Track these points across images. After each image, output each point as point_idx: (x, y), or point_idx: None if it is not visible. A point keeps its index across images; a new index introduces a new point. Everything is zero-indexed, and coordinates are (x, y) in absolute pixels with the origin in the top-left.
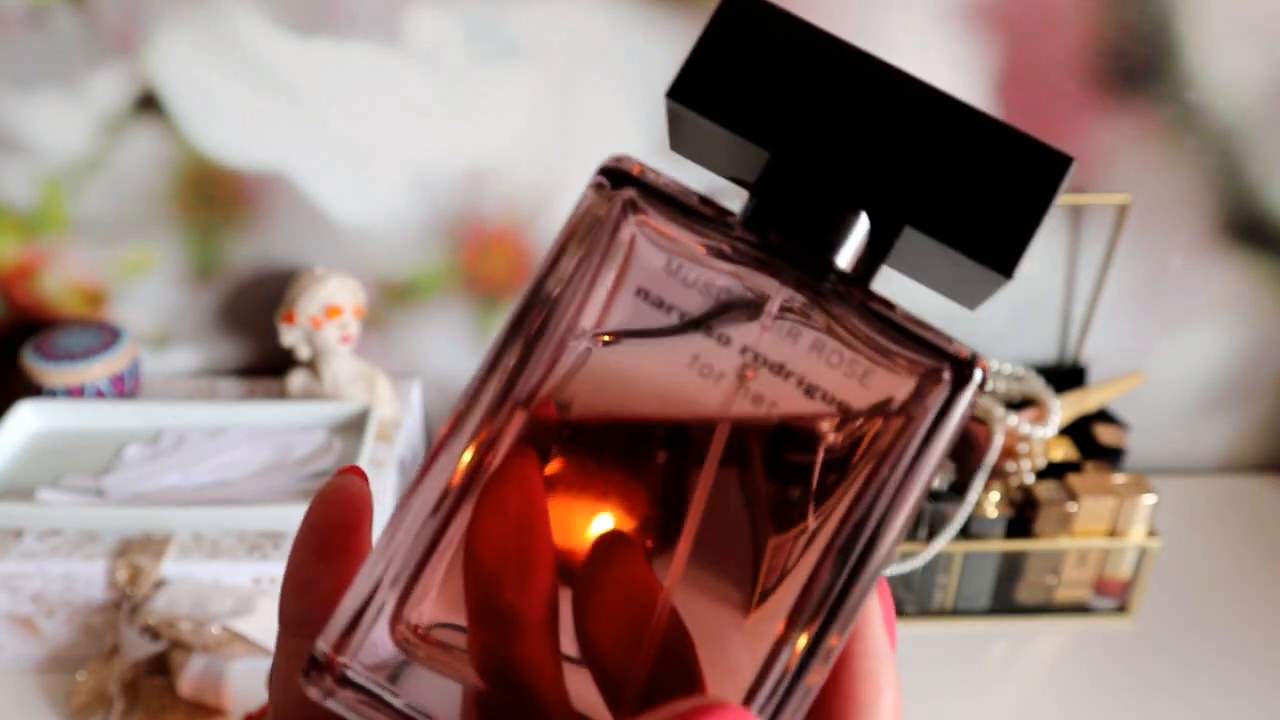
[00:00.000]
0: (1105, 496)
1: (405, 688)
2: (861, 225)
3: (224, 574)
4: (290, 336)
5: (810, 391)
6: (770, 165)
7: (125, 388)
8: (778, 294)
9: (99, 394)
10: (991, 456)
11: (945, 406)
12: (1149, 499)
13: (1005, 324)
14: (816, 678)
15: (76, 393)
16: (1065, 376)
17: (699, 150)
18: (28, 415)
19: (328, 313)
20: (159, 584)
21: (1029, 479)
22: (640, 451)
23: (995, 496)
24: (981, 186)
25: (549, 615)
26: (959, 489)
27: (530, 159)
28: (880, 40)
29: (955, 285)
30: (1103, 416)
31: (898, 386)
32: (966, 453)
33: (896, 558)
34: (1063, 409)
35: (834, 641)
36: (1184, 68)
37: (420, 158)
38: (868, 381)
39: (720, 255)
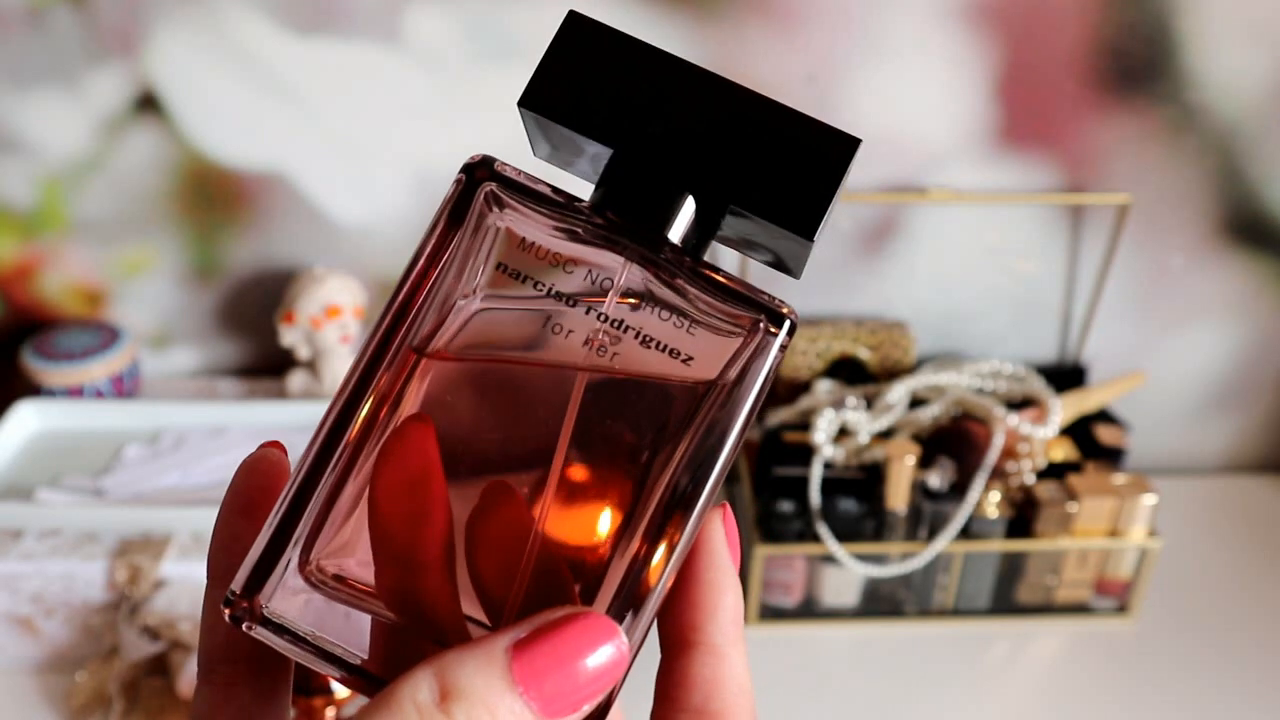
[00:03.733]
0: (1106, 497)
1: (314, 621)
2: (689, 206)
3: None
4: (290, 336)
5: (647, 343)
6: (612, 160)
7: (125, 388)
8: (622, 267)
9: (98, 394)
10: (992, 457)
11: (760, 351)
12: (1149, 499)
13: (1005, 324)
14: (661, 584)
15: (76, 393)
16: (1065, 376)
17: (554, 152)
18: (27, 415)
19: (327, 313)
20: (158, 584)
21: (1029, 479)
22: (514, 407)
23: (995, 497)
24: (786, 167)
25: (444, 556)
26: (959, 489)
27: (529, 159)
28: (880, 41)
29: (776, 256)
30: (1103, 416)
31: (725, 341)
32: (967, 453)
33: (723, 483)
34: (1063, 409)
35: (667, 561)
36: (1184, 67)
37: (420, 157)
38: (695, 334)
39: (572, 236)
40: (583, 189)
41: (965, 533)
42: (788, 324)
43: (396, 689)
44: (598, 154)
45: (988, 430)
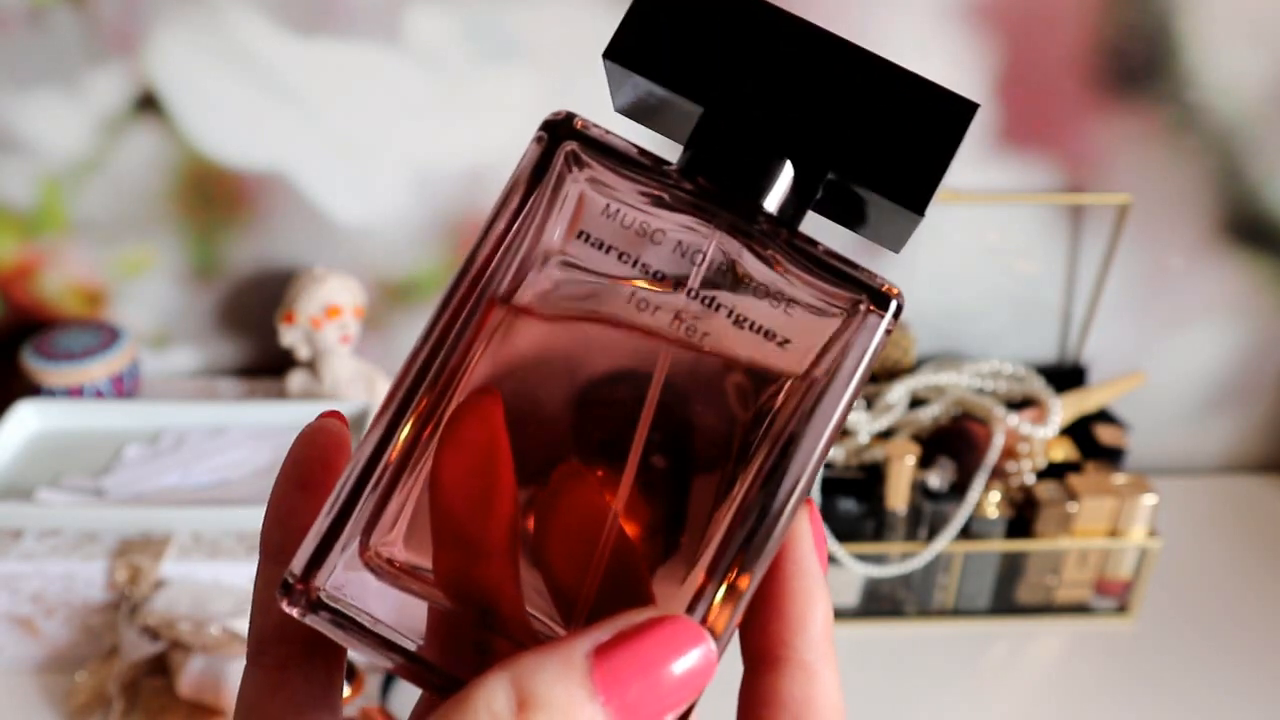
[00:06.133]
0: (1105, 497)
1: (374, 607)
2: (787, 172)
3: (223, 574)
4: (290, 336)
5: (740, 322)
6: (703, 119)
7: (125, 388)
8: (712, 236)
9: (98, 394)
10: (992, 456)
11: (862, 333)
12: (1149, 499)
13: (1005, 324)
14: (749, 588)
15: (76, 393)
16: (1065, 376)
17: (639, 109)
18: (27, 415)
19: (327, 313)
20: (158, 584)
21: (1029, 479)
22: (590, 386)
23: (995, 496)
24: (895, 133)
25: (510, 541)
26: (959, 489)
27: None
28: (880, 40)
29: (878, 229)
30: (1103, 416)
31: (823, 323)
32: (967, 453)
33: (814, 486)
34: (1063, 409)
35: (763, 552)
36: (1184, 67)
37: (420, 158)
38: (793, 313)
39: (658, 202)
40: (663, 148)
41: (965, 533)
42: (894, 305)
43: (471, 695)
44: (687, 112)
45: (988, 430)
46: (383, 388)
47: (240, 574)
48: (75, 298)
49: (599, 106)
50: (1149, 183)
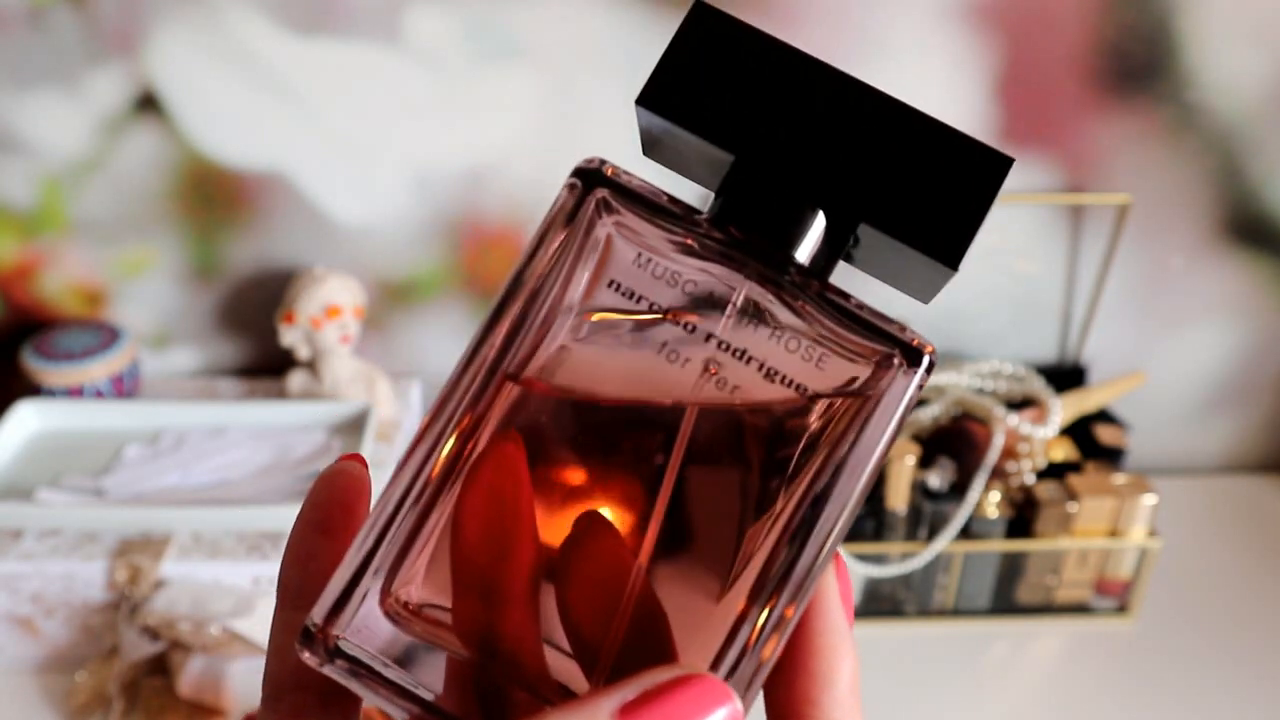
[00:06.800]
0: (1106, 497)
1: (395, 657)
2: (819, 223)
3: (223, 574)
4: (290, 336)
5: (770, 375)
6: (734, 168)
7: (125, 388)
8: (741, 287)
9: (98, 394)
10: (992, 456)
11: (895, 388)
12: (1149, 499)
13: (1005, 324)
14: (773, 650)
15: (76, 393)
16: (1065, 376)
17: (669, 155)
18: (27, 415)
19: (327, 313)
20: (158, 584)
21: (1029, 479)
22: (616, 434)
23: (995, 496)
24: (929, 186)
25: (530, 590)
26: (959, 489)
27: (530, 158)
28: (880, 41)
29: (909, 280)
30: (1103, 416)
31: (853, 372)
32: (967, 453)
33: (846, 534)
34: (1063, 409)
35: (789, 613)
36: (1184, 67)
37: (420, 158)
38: (824, 367)
39: (687, 251)
40: (687, 192)
41: (965, 533)
42: (926, 361)
43: None
44: (718, 160)
45: (988, 430)
46: (383, 388)
47: (240, 574)
48: (75, 298)
49: (597, 107)
50: (1149, 183)
